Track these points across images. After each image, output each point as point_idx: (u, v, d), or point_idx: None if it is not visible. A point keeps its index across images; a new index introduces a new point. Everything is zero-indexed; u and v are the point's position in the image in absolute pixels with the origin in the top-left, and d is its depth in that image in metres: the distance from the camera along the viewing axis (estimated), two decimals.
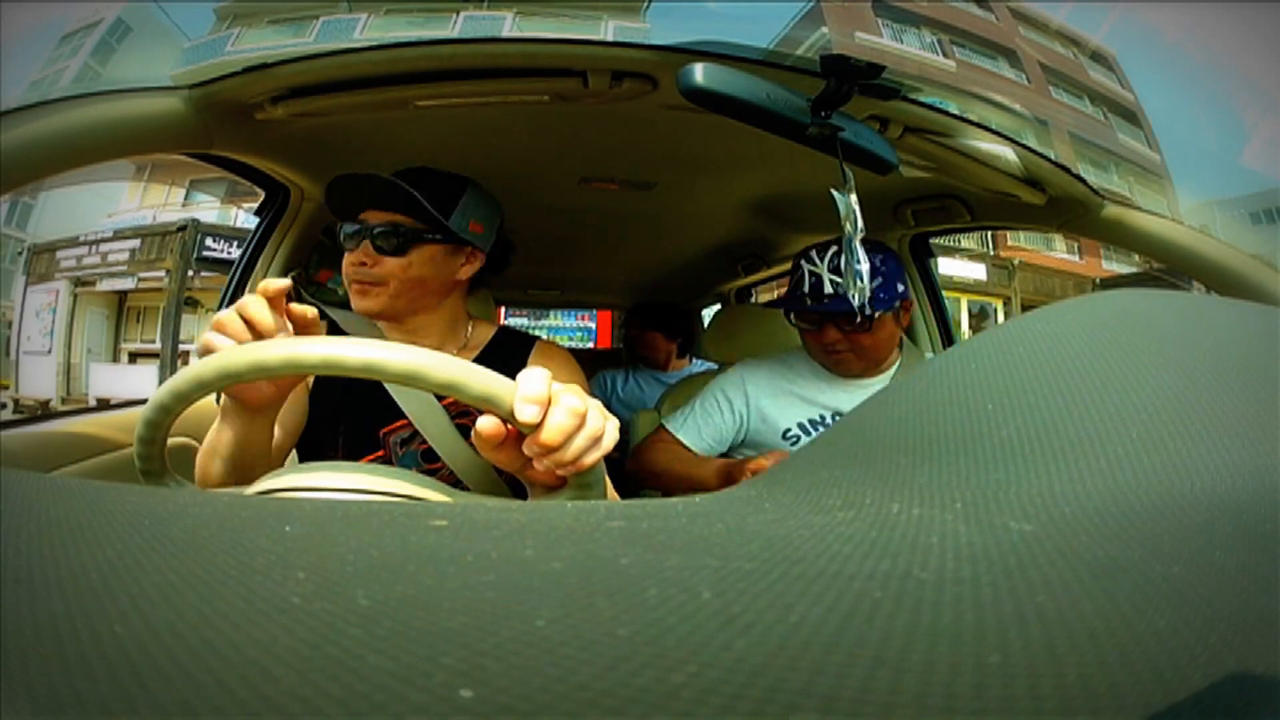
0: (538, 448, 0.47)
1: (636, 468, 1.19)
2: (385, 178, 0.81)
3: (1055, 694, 0.12)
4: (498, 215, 0.92)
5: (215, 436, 0.62)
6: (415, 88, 0.89)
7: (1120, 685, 0.12)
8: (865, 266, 0.70)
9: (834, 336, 1.05)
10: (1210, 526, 0.17)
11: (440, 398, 0.81)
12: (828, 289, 1.02)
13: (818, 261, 1.04)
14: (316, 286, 1.44)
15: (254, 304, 0.54)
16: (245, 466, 0.62)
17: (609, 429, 0.51)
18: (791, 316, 1.11)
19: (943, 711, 0.12)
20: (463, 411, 0.82)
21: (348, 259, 0.84)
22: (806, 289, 1.05)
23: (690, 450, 1.16)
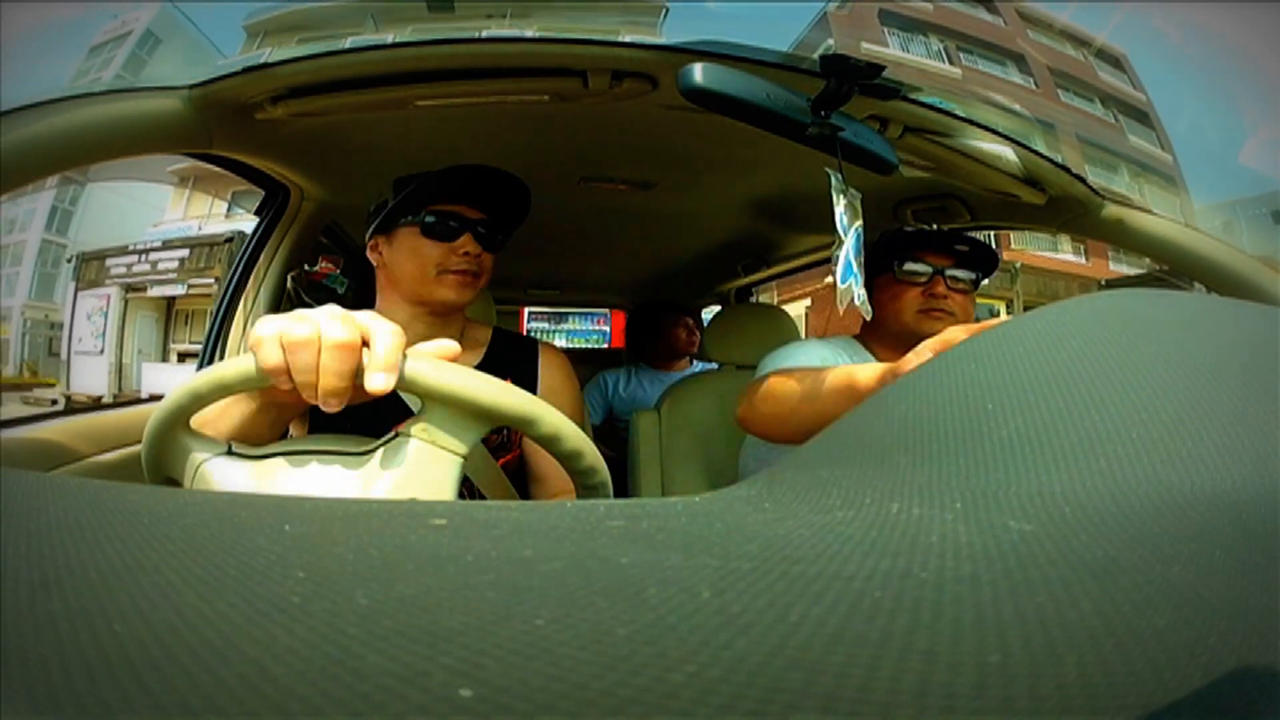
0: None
1: (752, 417, 0.95)
2: (518, 181, 0.89)
3: (1055, 694, 0.12)
4: None
5: (235, 407, 0.61)
6: (415, 88, 0.89)
7: (1120, 685, 0.12)
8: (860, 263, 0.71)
9: (943, 290, 1.05)
10: (1210, 526, 0.17)
11: None
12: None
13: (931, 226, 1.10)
14: (314, 284, 1.44)
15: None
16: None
17: (379, 335, 0.48)
18: (897, 267, 1.07)
19: (943, 711, 0.11)
20: None
21: (445, 247, 0.87)
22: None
23: (809, 369, 0.92)
